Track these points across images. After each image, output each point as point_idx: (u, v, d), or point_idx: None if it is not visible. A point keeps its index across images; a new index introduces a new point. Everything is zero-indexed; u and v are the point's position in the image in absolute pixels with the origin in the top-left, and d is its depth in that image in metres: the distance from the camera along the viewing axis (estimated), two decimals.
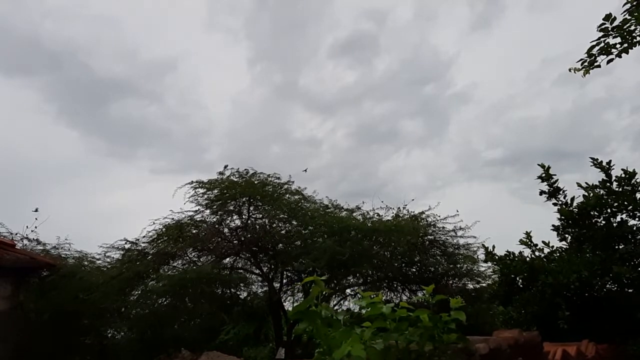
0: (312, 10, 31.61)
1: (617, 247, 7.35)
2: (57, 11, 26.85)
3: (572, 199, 7.90)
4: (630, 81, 29.74)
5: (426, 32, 34.00)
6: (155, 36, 36.04)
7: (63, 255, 9.74)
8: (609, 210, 7.53)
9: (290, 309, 11.97)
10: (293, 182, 10.78)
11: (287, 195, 10.52)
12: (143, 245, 9.92)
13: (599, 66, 4.44)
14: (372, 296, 2.56)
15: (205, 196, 10.12)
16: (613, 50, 4.39)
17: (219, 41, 37.14)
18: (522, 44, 34.32)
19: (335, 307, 10.72)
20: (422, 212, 10.52)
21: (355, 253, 9.06)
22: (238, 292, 11.15)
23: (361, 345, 1.91)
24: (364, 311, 2.40)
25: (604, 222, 7.60)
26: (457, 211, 10.21)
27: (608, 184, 7.53)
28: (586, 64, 4.46)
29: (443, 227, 10.41)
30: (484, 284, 10.56)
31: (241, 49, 36.16)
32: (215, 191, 10.10)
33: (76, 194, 28.98)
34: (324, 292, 2.24)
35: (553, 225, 8.06)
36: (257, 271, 10.99)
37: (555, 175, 8.01)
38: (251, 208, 10.33)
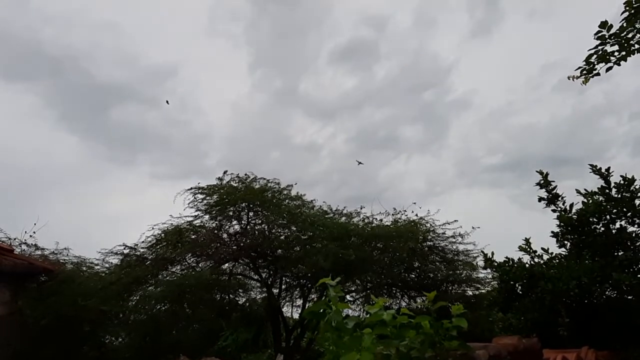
0: (312, 17, 31.74)
1: (616, 253, 7.35)
2: (57, 17, 26.93)
3: (571, 205, 7.91)
4: (629, 88, 29.79)
5: (426, 39, 34.11)
6: (155, 42, 36.08)
7: (61, 261, 9.70)
8: (608, 217, 7.53)
9: (289, 315, 11.96)
10: (295, 184, 10.81)
11: (287, 201, 10.51)
12: (142, 250, 9.88)
13: (598, 74, 4.47)
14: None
15: (205, 201, 10.12)
16: (611, 58, 4.42)
17: (219, 47, 37.25)
18: (522, 50, 34.32)
19: None
20: (422, 218, 10.53)
21: (356, 259, 9.06)
22: (237, 298, 11.12)
23: (371, 353, 1.92)
24: (362, 317, 2.42)
25: (603, 228, 7.59)
26: (457, 221, 10.27)
27: (607, 191, 7.54)
28: (585, 72, 4.49)
29: (443, 233, 10.42)
30: (483, 291, 10.55)
31: (241, 54, 36.26)
32: (215, 196, 10.09)
33: (76, 199, 28.78)
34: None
35: (552, 232, 8.06)
36: (256, 277, 10.96)
37: (554, 181, 8.02)
38: (250, 213, 10.31)
